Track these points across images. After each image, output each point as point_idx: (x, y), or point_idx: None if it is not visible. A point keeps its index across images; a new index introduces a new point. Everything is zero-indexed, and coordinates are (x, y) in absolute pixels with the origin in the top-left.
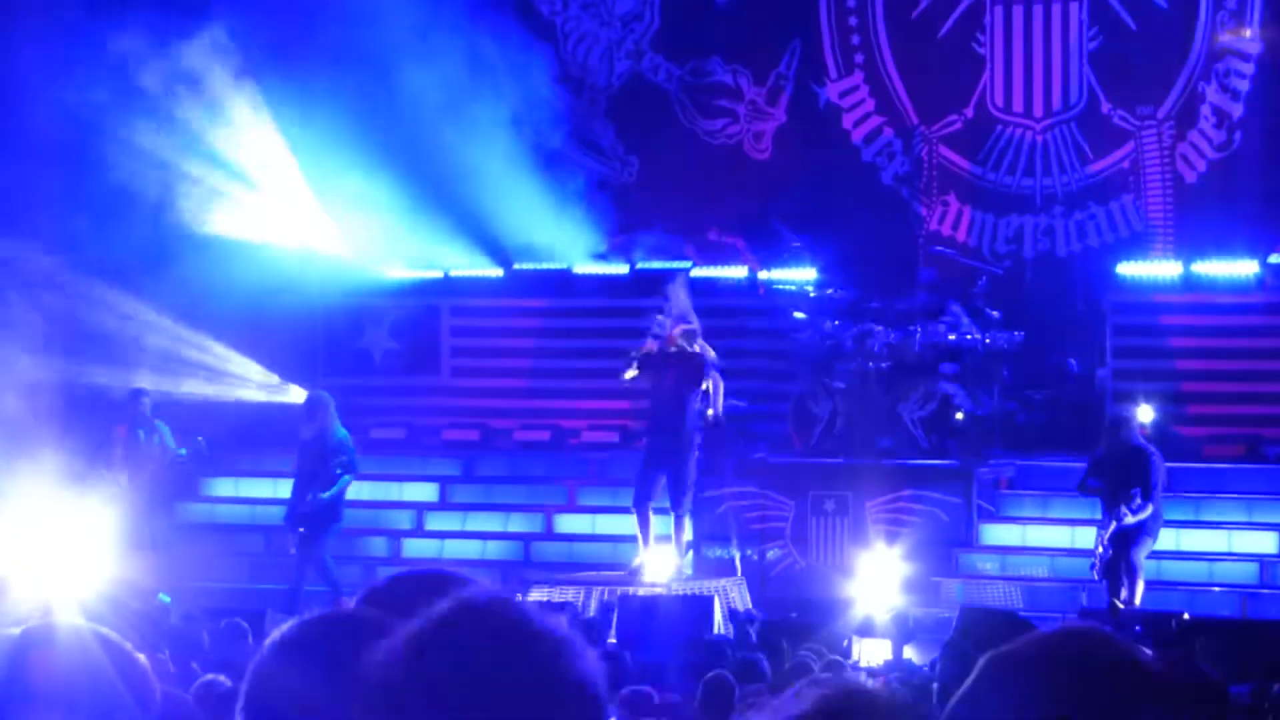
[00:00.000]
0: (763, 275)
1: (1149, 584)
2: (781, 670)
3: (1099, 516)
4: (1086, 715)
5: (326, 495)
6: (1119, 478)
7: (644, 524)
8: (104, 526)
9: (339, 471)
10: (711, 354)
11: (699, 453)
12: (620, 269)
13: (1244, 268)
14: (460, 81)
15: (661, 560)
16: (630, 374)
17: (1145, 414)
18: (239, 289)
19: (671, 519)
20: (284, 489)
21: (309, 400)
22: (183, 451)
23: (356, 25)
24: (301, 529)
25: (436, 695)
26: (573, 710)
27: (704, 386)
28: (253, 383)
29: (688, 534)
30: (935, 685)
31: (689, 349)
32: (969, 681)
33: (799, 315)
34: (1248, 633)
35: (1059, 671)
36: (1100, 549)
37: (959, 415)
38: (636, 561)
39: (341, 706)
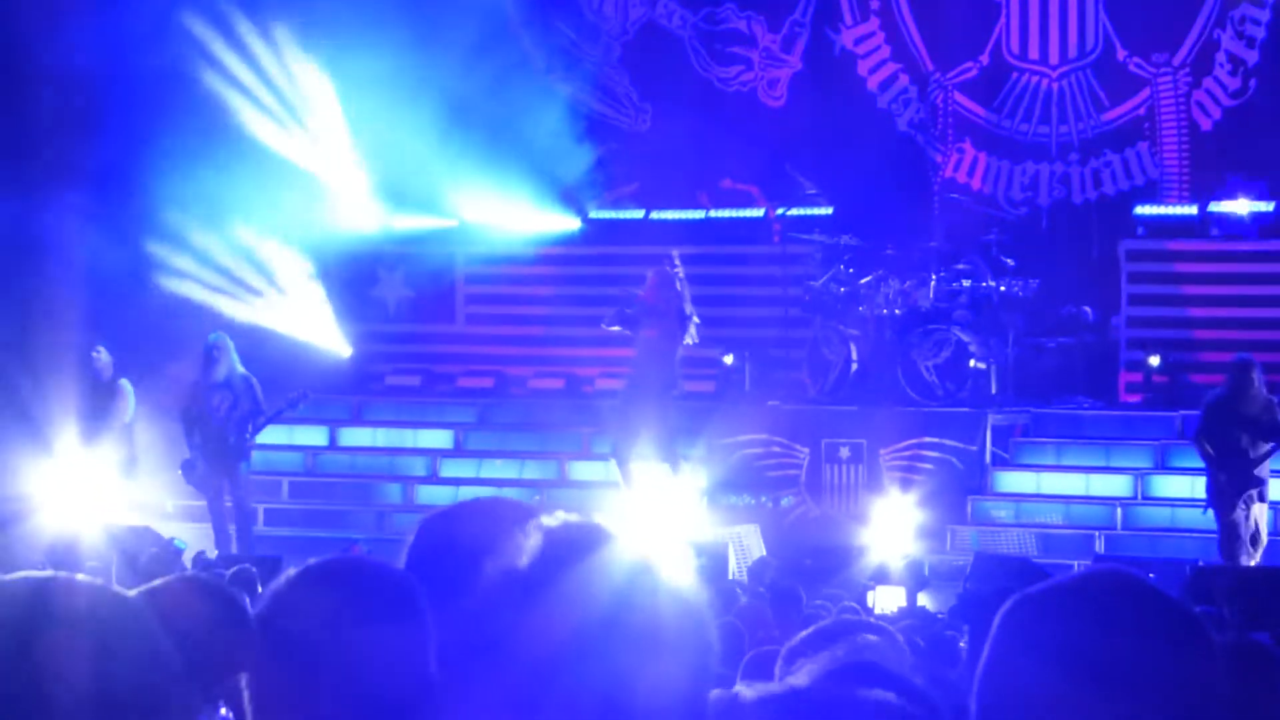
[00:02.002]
0: (779, 211)
1: (1165, 531)
2: (795, 619)
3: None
4: (1115, 655)
5: (251, 435)
6: (1246, 426)
7: (624, 472)
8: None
9: (254, 410)
10: (690, 310)
11: (678, 403)
12: (635, 214)
13: (1259, 215)
14: (476, 30)
15: (660, 506)
16: (614, 327)
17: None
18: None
19: (666, 470)
20: (301, 435)
21: (210, 345)
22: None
23: None
24: (192, 471)
25: (559, 586)
26: (685, 621)
27: (685, 340)
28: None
29: (701, 481)
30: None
31: (673, 300)
32: (995, 627)
33: (814, 285)
34: (1262, 579)
35: (1088, 610)
36: (1245, 505)
37: (973, 363)
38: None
39: (358, 645)
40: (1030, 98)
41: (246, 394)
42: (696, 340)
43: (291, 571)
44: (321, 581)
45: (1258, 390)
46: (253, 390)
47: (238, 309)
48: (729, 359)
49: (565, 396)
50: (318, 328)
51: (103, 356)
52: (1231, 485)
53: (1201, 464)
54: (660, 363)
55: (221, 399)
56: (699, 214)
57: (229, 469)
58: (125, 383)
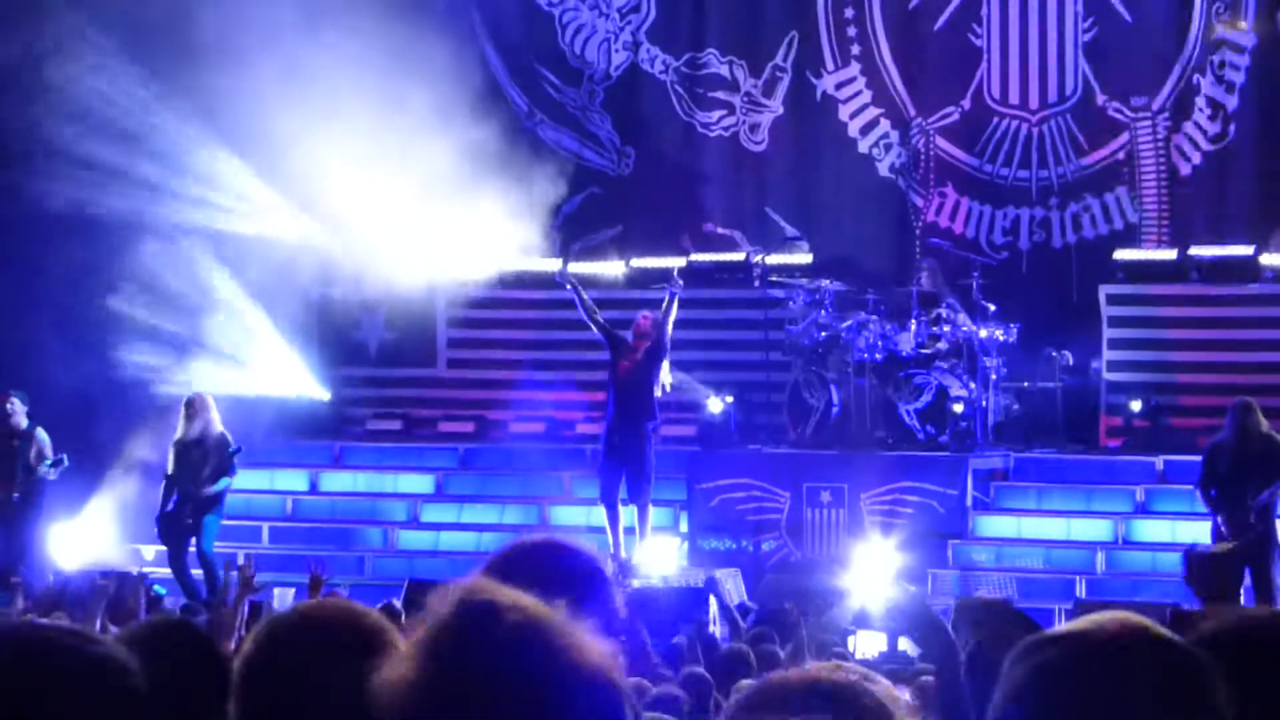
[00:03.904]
0: (758, 259)
1: (1145, 575)
2: (776, 665)
3: (1202, 509)
4: (1127, 704)
5: (212, 490)
6: (1251, 468)
7: (613, 520)
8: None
9: (229, 463)
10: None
11: (655, 440)
12: (615, 268)
13: (1238, 259)
14: (458, 75)
15: (648, 552)
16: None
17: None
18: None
19: (635, 511)
20: (281, 480)
21: (191, 400)
22: (48, 467)
23: (359, 12)
24: (168, 525)
25: (454, 697)
26: (591, 699)
27: (663, 375)
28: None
29: (682, 525)
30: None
31: (651, 336)
32: (1007, 670)
33: (795, 329)
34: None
35: (1101, 659)
36: (1227, 545)
37: (955, 407)
38: (608, 558)
39: (339, 686)
40: (1011, 142)
41: (216, 453)
42: (669, 388)
43: (273, 614)
44: (302, 625)
45: (1260, 431)
46: (221, 451)
47: (212, 368)
48: (716, 407)
49: (547, 440)
50: (296, 373)
51: (16, 405)
52: (1236, 532)
53: (1185, 509)
54: (641, 400)
55: (194, 456)
56: (680, 259)
57: (195, 524)
58: (40, 431)
